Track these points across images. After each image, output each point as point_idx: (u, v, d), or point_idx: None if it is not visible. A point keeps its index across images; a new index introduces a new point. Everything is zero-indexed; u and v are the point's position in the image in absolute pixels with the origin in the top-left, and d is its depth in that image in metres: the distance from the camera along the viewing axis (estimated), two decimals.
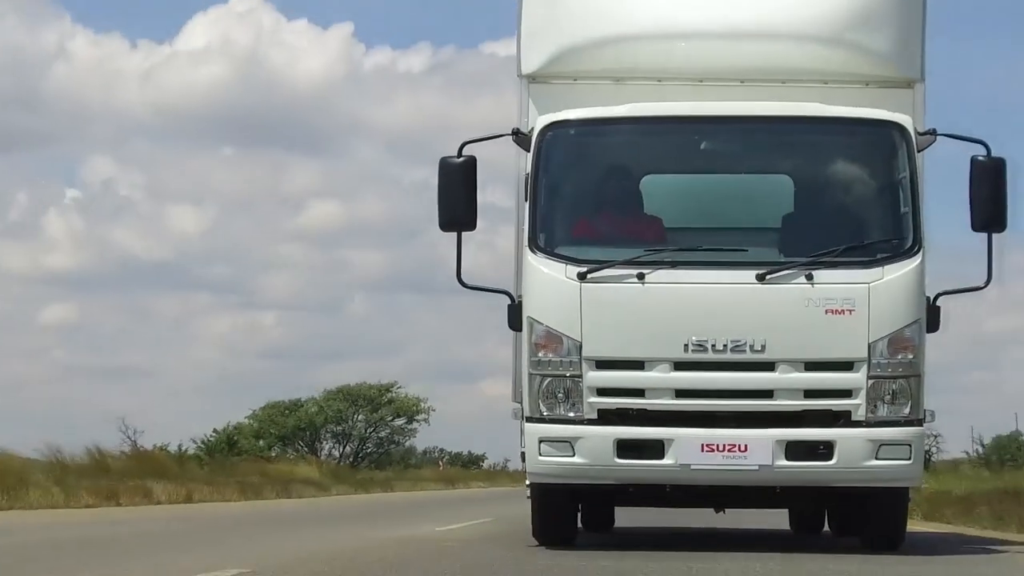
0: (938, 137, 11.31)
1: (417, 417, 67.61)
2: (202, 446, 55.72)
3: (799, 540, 14.01)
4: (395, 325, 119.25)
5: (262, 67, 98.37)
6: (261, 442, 63.09)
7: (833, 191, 11.54)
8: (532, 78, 11.94)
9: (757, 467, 10.68)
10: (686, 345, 10.71)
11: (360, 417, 67.41)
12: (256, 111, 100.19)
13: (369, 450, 67.57)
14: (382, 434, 68.35)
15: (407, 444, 70.75)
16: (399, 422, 67.92)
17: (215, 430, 59.74)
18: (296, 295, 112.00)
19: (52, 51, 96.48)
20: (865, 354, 10.70)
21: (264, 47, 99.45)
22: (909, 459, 10.76)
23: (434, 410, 68.67)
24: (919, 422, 10.83)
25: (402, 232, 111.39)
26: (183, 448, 46.59)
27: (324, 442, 67.05)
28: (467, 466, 75.55)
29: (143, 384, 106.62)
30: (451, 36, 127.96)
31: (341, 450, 66.49)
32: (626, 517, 15.51)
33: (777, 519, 15.80)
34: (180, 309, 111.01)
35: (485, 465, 76.12)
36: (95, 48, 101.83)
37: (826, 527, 14.59)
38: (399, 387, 67.58)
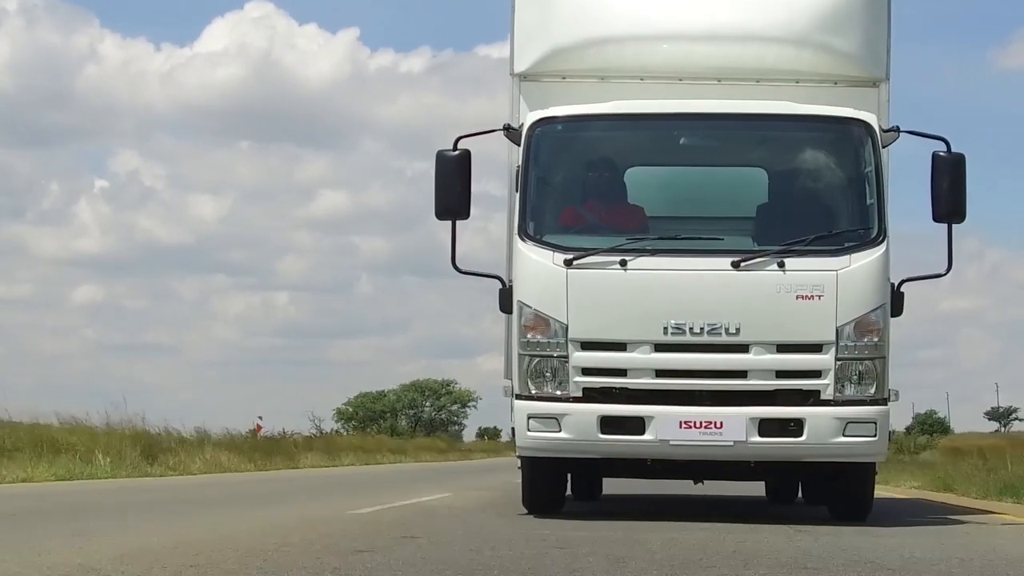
0: (901, 133, 11.75)
1: (468, 404, 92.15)
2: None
3: (773, 510, 14.63)
4: (398, 305, 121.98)
5: (276, 68, 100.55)
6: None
7: (803, 184, 12.02)
8: (523, 76, 12.46)
9: (732, 443, 11.10)
10: (665, 328, 11.13)
11: (428, 404, 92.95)
12: (270, 108, 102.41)
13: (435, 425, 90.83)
14: (443, 416, 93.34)
15: (463, 424, 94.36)
16: (455, 407, 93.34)
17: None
18: (307, 277, 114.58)
19: (83, 53, 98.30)
20: (833, 337, 11.10)
21: (278, 50, 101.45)
22: (874, 436, 11.18)
23: (481, 399, 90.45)
24: (884, 401, 11.24)
25: (405, 219, 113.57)
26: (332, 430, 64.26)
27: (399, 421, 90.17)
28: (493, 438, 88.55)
29: (166, 359, 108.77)
30: (449, 40, 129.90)
31: (414, 427, 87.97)
32: (613, 486, 16.07)
33: (754, 488, 16.42)
34: (200, 290, 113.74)
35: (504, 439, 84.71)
36: (122, 51, 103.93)
37: (799, 496, 15.26)
38: (456, 383, 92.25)
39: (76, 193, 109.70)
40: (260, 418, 41.31)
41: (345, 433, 67.31)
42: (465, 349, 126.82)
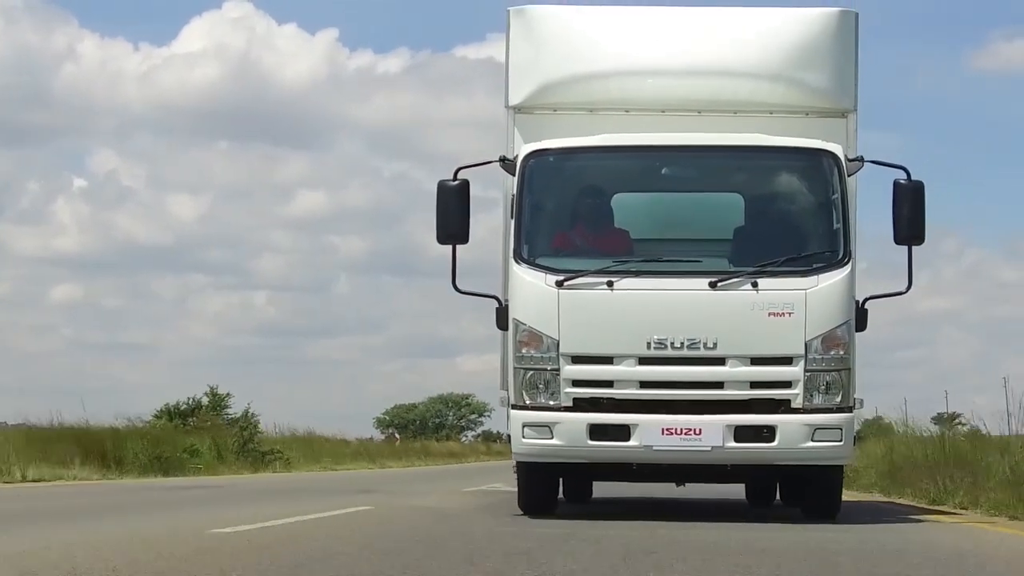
0: (865, 163, 12.61)
1: (484, 413, 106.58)
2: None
3: (748, 510, 15.48)
4: (377, 304, 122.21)
5: (254, 68, 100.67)
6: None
7: (776, 209, 12.92)
8: (518, 109, 13.32)
9: (710, 448, 11.93)
10: (649, 343, 11.97)
11: (451, 414, 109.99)
12: (249, 108, 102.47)
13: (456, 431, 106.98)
14: (463, 423, 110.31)
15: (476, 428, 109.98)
16: (472, 416, 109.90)
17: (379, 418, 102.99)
18: (286, 276, 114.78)
19: (62, 53, 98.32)
20: (802, 351, 11.94)
21: (256, 50, 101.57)
22: (841, 441, 12.02)
23: (493, 409, 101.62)
24: (849, 409, 12.09)
25: (383, 219, 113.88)
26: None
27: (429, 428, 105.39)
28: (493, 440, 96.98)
29: (144, 358, 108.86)
30: (427, 41, 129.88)
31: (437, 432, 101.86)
32: (604, 489, 16.95)
33: (735, 491, 17.32)
34: (179, 289, 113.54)
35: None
36: (101, 50, 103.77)
37: (778, 498, 16.17)
38: (474, 396, 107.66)
39: (54, 192, 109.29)
40: (396, 433, 56.28)
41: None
42: (445, 349, 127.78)
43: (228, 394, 37.12)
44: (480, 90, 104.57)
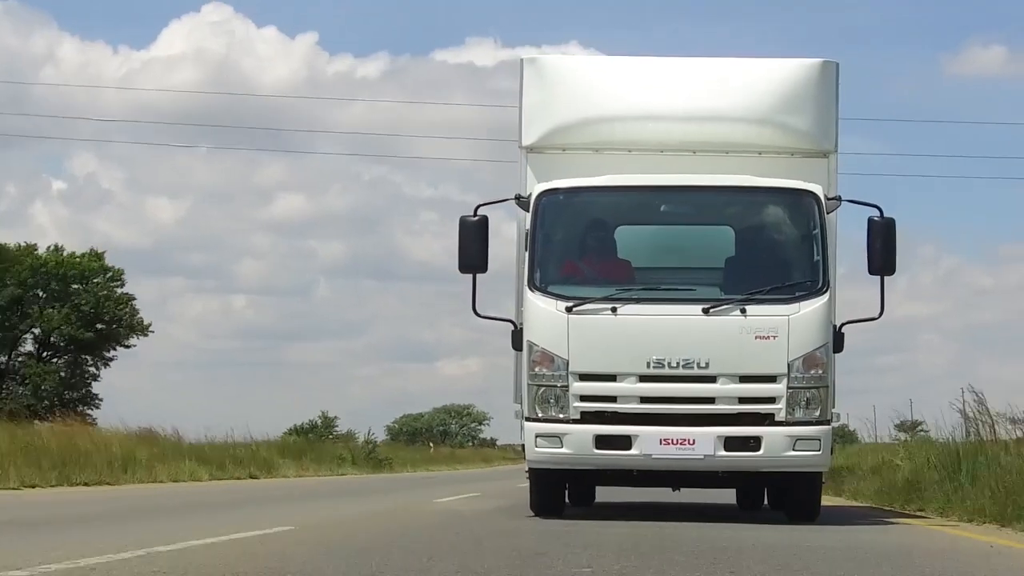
0: (843, 202, 13.86)
1: (483, 423, 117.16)
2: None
3: (736, 513, 16.68)
4: (357, 308, 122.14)
5: (234, 72, 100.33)
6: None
7: (762, 243, 14.09)
8: (529, 149, 14.54)
9: (702, 456, 13.04)
10: (648, 362, 13.11)
11: (454, 423, 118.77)
12: (228, 112, 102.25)
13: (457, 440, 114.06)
14: (465, 431, 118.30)
15: (479, 436, 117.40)
16: (473, 424, 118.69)
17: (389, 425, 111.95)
18: (266, 280, 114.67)
19: (41, 55, 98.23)
20: (786, 370, 13.09)
21: (236, 53, 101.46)
22: (819, 450, 13.19)
23: (492, 417, 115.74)
24: (827, 422, 13.24)
25: (362, 223, 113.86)
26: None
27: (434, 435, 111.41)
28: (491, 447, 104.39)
29: (123, 362, 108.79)
30: (407, 45, 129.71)
31: (442, 440, 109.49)
32: (605, 494, 18.15)
33: (727, 497, 18.54)
34: (158, 293, 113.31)
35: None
36: (80, 53, 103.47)
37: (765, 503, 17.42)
38: (475, 407, 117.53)
39: (32, 195, 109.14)
40: (431, 443, 72.51)
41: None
42: (425, 353, 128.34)
43: (336, 416, 55.10)
44: (459, 94, 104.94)
